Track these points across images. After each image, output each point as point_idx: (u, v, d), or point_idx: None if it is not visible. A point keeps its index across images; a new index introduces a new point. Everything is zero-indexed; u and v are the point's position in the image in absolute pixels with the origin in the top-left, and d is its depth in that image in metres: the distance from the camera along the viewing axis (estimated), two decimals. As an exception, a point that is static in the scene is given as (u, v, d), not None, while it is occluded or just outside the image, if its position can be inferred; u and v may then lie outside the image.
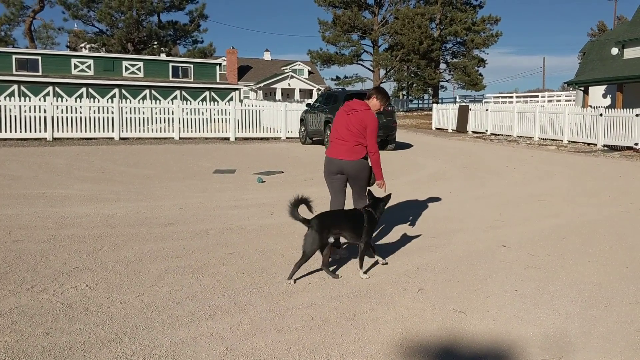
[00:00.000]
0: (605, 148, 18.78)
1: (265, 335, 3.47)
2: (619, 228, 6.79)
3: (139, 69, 30.35)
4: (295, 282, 4.51)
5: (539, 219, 7.28)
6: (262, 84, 56.38)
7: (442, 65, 57.79)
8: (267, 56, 67.18)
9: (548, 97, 45.18)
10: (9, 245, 5.37)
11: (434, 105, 33.21)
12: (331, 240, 4.65)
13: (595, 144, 19.37)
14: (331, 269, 4.80)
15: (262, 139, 21.18)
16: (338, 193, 5.46)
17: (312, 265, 4.85)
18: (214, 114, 20.82)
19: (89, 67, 29.30)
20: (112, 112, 19.02)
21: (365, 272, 4.72)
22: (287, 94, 55.96)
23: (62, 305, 3.86)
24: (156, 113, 19.99)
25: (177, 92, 27.82)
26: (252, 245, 5.62)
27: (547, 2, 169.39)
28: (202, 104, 20.97)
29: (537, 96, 46.83)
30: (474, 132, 26.34)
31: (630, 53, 23.85)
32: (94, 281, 4.39)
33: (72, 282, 4.36)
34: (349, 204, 5.40)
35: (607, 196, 9.25)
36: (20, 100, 18.29)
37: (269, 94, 56.23)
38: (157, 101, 22.22)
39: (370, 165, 5.33)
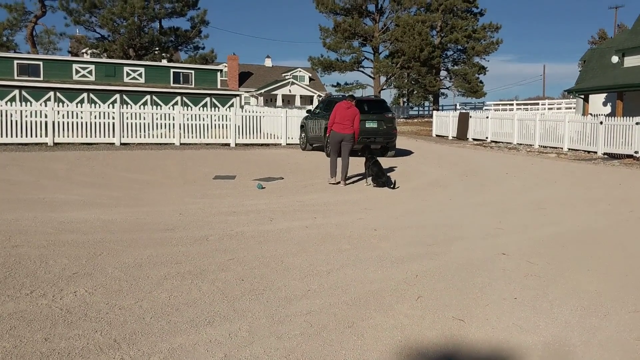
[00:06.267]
0: (606, 156, 18.79)
1: (264, 342, 3.47)
2: (618, 236, 6.79)
3: (140, 75, 30.41)
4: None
5: (539, 226, 7.28)
6: (262, 90, 56.48)
7: (443, 73, 57.98)
8: (268, 62, 67.34)
9: (548, 104, 45.30)
10: (9, 250, 5.36)
11: (435, 112, 33.26)
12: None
13: (596, 152, 19.40)
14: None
15: (262, 145, 21.19)
16: (336, 152, 10.85)
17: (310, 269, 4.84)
18: (215, 120, 20.85)
19: (90, 72, 29.36)
20: (113, 118, 19.04)
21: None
22: (288, 100, 56.06)
23: (61, 311, 3.86)
24: (157, 119, 20.02)
25: (178, 98, 27.85)
26: (252, 251, 5.61)
27: (547, 10, 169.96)
28: (203, 110, 21.02)
29: (537, 104, 46.97)
30: (474, 140, 26.38)
31: (630, 61, 23.91)
32: (93, 287, 4.39)
33: (71, 287, 4.36)
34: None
35: (607, 204, 9.24)
36: (21, 105, 18.33)
37: (270, 100, 56.33)
38: (158, 107, 22.27)
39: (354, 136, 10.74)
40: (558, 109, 42.61)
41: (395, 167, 14.13)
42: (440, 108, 55.19)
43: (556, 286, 4.76)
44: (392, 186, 10.40)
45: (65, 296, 4.16)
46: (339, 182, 10.83)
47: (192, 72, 32.31)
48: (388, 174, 11.00)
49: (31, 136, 18.07)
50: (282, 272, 4.94)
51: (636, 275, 5.14)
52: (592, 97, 25.30)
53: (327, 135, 11.10)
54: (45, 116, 18.29)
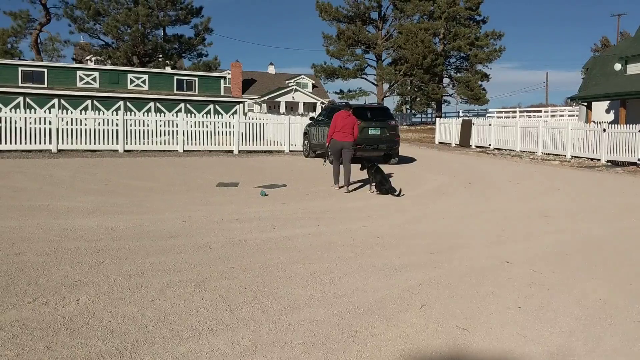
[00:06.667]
0: (609, 163, 18.75)
1: (267, 351, 3.45)
2: (622, 244, 6.76)
3: (144, 82, 30.52)
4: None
5: (543, 234, 7.25)
6: (266, 97, 56.64)
7: (446, 80, 58.11)
8: (271, 69, 67.58)
9: (551, 112, 45.22)
10: (12, 257, 5.37)
11: (437, 119, 33.28)
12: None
13: (599, 159, 19.36)
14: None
15: (265, 151, 21.23)
16: (338, 159, 11.23)
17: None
18: (218, 127, 20.90)
19: (94, 79, 29.48)
20: (117, 125, 19.12)
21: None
22: (291, 107, 56.19)
23: (63, 319, 3.85)
24: (160, 125, 20.08)
25: (182, 105, 27.94)
26: (254, 259, 5.60)
27: (550, 17, 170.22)
28: (206, 117, 21.06)
29: (540, 111, 46.86)
30: (477, 147, 26.36)
31: (633, 69, 23.89)
32: (95, 294, 4.38)
33: (73, 295, 4.35)
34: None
35: (611, 212, 9.22)
36: (25, 112, 18.41)
37: (273, 107, 56.47)
38: (162, 114, 22.33)
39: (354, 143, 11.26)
40: (561, 116, 42.52)
41: (398, 174, 14.12)
42: (443, 115, 55.21)
43: (560, 295, 4.73)
44: (395, 193, 10.37)
45: (68, 304, 4.15)
46: (342, 187, 11.09)
47: (196, 79, 32.41)
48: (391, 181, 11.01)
49: (35, 143, 18.14)
50: (285, 280, 4.93)
51: (641, 284, 5.12)
52: (595, 105, 25.28)
53: (328, 144, 11.45)
54: (49, 123, 18.37)
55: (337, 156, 11.27)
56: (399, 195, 10.34)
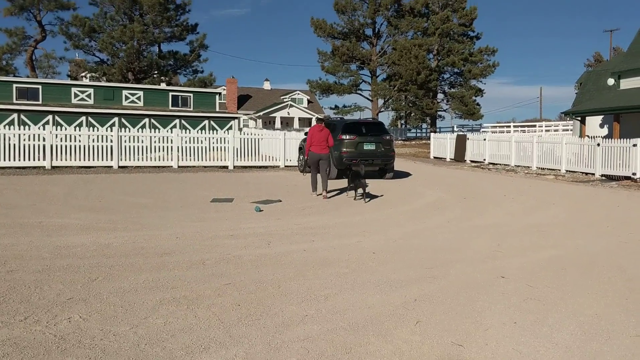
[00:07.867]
0: (603, 178, 18.82)
1: (261, 369, 3.41)
2: (618, 259, 6.75)
3: (138, 98, 30.55)
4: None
5: (538, 249, 7.24)
6: (261, 113, 56.77)
7: (440, 95, 58.40)
8: (266, 85, 67.85)
9: (545, 126, 45.49)
10: (3, 275, 5.32)
11: (432, 134, 33.39)
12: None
13: (593, 174, 19.43)
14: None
15: (260, 167, 21.22)
16: (315, 169, 12.43)
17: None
18: (213, 143, 20.91)
19: (89, 96, 29.50)
20: (111, 141, 19.09)
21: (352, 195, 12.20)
22: (287, 123, 56.33)
23: (55, 338, 3.80)
24: (155, 142, 20.08)
25: (177, 121, 27.94)
26: (249, 275, 5.57)
27: (543, 33, 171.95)
28: (201, 133, 21.07)
29: (534, 126, 47.16)
30: (472, 161, 26.44)
31: (626, 84, 24.10)
32: (87, 312, 4.33)
33: (65, 313, 4.30)
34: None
35: (606, 227, 9.22)
36: (19, 129, 18.37)
37: (269, 123, 56.59)
38: (157, 130, 22.35)
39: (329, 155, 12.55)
40: (555, 130, 42.81)
41: (394, 189, 14.12)
42: (437, 130, 55.50)
43: (556, 310, 4.71)
44: (365, 189, 11.70)
45: (60, 322, 4.10)
46: (320, 194, 12.34)
47: (191, 95, 32.47)
48: (381, 195, 11.36)
49: (29, 160, 18.09)
50: (280, 297, 4.89)
51: (636, 298, 5.10)
52: (589, 119, 25.45)
53: (306, 157, 12.61)
54: (43, 139, 18.34)
55: (315, 167, 12.52)
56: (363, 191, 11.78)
